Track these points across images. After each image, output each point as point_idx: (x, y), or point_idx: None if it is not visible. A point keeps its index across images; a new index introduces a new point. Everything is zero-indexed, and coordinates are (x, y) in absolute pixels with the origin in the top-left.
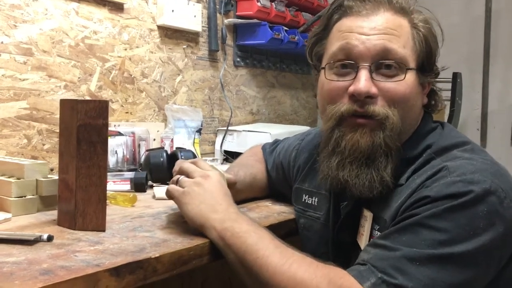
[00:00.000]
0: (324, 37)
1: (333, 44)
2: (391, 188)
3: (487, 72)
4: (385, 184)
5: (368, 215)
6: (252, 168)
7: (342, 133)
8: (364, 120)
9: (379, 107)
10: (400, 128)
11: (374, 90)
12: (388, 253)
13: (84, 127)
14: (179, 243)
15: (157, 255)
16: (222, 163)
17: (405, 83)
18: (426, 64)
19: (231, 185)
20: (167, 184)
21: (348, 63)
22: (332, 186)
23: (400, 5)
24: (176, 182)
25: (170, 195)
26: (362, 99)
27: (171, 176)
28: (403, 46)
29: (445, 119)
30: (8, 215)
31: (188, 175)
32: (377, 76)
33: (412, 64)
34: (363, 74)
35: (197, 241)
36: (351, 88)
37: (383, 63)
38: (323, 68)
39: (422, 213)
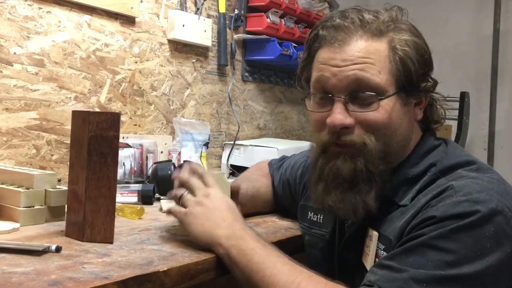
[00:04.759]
0: (309, 64)
1: (313, 74)
2: (373, 212)
3: (494, 92)
4: (369, 209)
5: (373, 235)
6: (256, 182)
7: (325, 160)
8: (345, 148)
9: (355, 136)
10: (383, 152)
11: (348, 121)
12: (395, 274)
13: (95, 138)
14: (187, 257)
15: (165, 268)
16: (228, 177)
17: (382, 110)
18: (408, 84)
19: (234, 194)
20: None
21: (324, 95)
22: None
23: (377, 27)
24: (179, 200)
25: (173, 216)
26: (338, 130)
27: None
28: (379, 72)
29: (452, 138)
30: (17, 225)
31: (191, 191)
32: (353, 106)
33: (390, 88)
34: (338, 107)
35: (205, 256)
36: (328, 121)
37: (357, 93)
38: (307, 97)
39: (428, 234)
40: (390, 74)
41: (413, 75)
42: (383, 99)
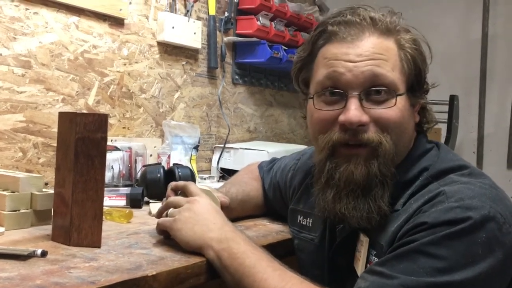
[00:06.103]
0: (310, 63)
1: (320, 72)
2: (387, 215)
3: (483, 95)
4: (383, 213)
5: (364, 240)
6: (246, 185)
7: (335, 164)
8: (358, 150)
9: (372, 134)
10: (394, 153)
11: (365, 118)
12: (386, 281)
13: (82, 140)
14: (176, 261)
15: (154, 273)
16: (218, 181)
17: (396, 108)
18: (416, 84)
19: (224, 206)
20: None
21: (336, 91)
22: (330, 219)
23: (386, 26)
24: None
25: (161, 228)
26: (354, 128)
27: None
28: (392, 70)
29: (442, 141)
30: (1, 229)
31: (175, 207)
32: (367, 103)
33: (401, 87)
34: (353, 103)
35: (195, 260)
36: (341, 118)
37: (373, 89)
38: (312, 97)
39: (420, 240)
40: (401, 72)
41: (421, 74)
42: (400, 95)
